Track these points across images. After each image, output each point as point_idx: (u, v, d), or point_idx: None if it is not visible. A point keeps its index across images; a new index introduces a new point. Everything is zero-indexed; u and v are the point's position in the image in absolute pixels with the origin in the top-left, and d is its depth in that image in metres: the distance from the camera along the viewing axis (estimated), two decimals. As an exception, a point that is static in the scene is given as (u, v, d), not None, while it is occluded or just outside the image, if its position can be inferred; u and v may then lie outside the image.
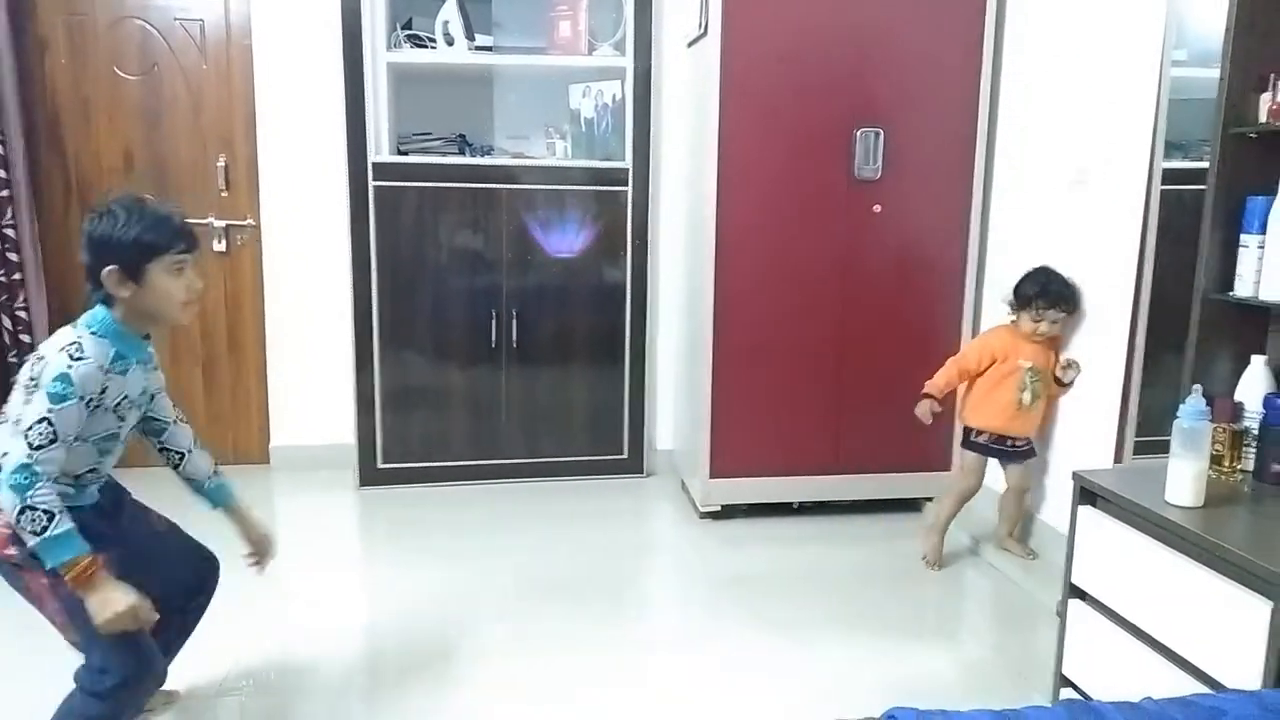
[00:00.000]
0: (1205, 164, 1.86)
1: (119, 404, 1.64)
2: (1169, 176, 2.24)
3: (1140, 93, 2.28)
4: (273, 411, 3.55)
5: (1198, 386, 1.64)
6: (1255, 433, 1.75)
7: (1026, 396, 2.58)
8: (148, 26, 3.31)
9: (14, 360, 3.25)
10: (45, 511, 1.48)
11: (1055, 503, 2.70)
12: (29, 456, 1.48)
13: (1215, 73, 1.81)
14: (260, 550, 1.93)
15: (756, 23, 2.81)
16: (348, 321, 3.25)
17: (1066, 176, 2.62)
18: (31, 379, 1.55)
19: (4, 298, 3.22)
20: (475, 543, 2.92)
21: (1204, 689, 1.45)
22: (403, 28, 3.24)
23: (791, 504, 3.14)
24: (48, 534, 1.48)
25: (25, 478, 1.47)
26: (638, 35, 3.23)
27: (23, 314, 3.24)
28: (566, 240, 3.33)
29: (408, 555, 2.84)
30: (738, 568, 2.78)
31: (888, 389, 3.05)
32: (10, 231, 3.18)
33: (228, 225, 3.43)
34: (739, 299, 2.96)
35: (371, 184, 3.17)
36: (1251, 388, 1.79)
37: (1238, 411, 1.78)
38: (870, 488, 3.12)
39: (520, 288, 3.33)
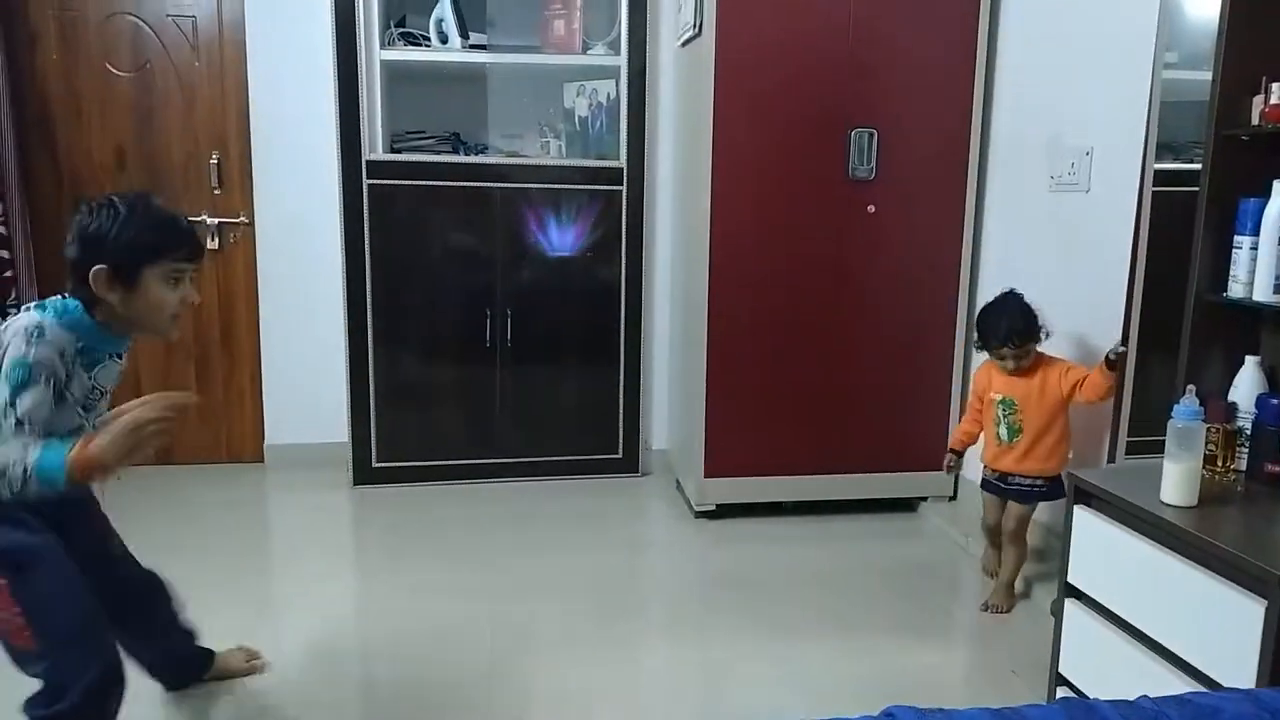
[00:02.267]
0: (1198, 165, 1.87)
1: (87, 397, 1.55)
2: (1162, 178, 2.26)
3: (1133, 94, 2.29)
4: (267, 410, 3.53)
5: (1191, 386, 1.66)
6: (1249, 433, 1.76)
7: (1003, 431, 2.44)
8: (140, 23, 3.29)
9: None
10: (17, 460, 1.37)
11: (1053, 506, 2.71)
12: None
13: (1207, 75, 1.82)
14: None
15: (750, 22, 2.81)
16: (342, 319, 3.24)
17: (1055, 168, 2.63)
18: None
19: (-6, 295, 3.20)
20: (470, 542, 2.91)
21: (1200, 688, 1.46)
22: (396, 25, 3.23)
23: (786, 504, 3.14)
24: (29, 472, 1.37)
25: None
26: (632, 34, 3.23)
27: (14, 311, 3.21)
28: (561, 239, 3.33)
29: (403, 554, 2.83)
30: (732, 567, 2.78)
31: (881, 389, 3.07)
32: (1, 229, 3.16)
33: (220, 223, 3.41)
34: (733, 298, 2.96)
35: (365, 182, 3.16)
36: (1245, 388, 1.80)
37: (1231, 412, 1.79)
38: (864, 488, 3.13)
39: (515, 286, 3.32)
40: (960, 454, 2.64)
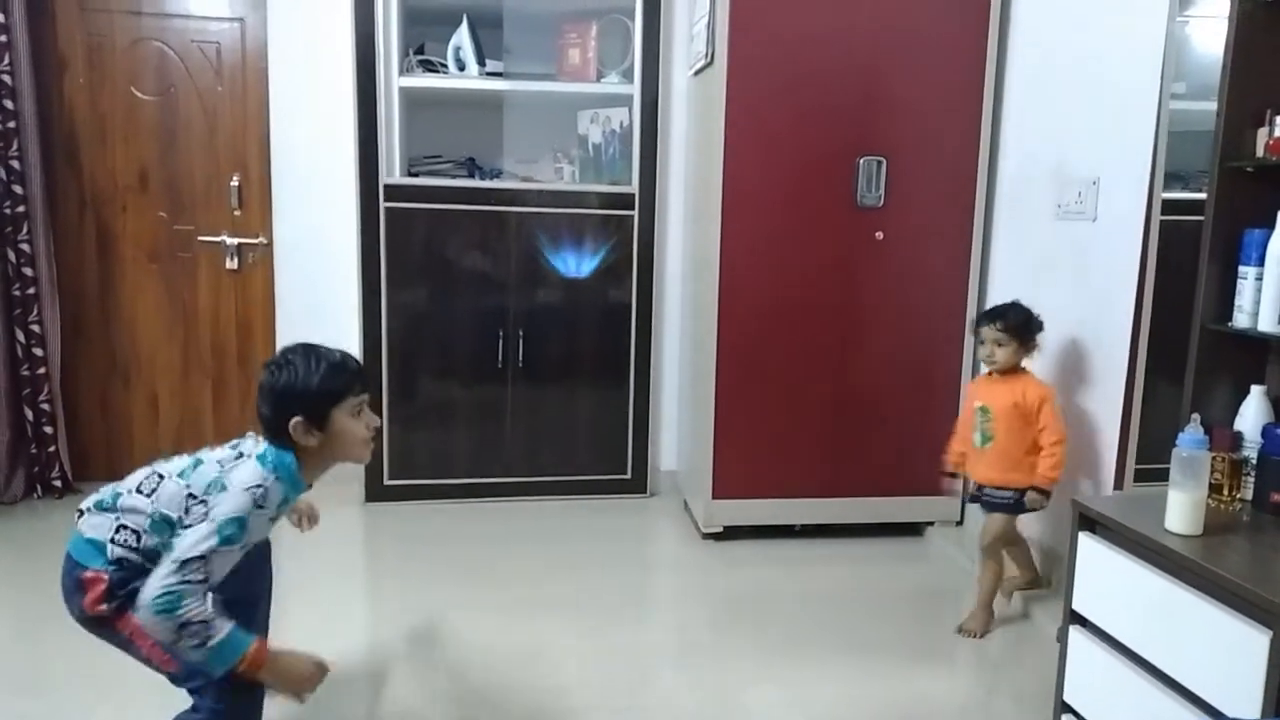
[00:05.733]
0: (1204, 195, 1.89)
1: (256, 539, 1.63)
2: (1169, 207, 2.28)
3: (1140, 124, 2.32)
4: (279, 428, 3.57)
5: (1196, 415, 1.67)
6: (1254, 462, 1.77)
7: (977, 438, 2.46)
8: (165, 48, 3.37)
9: (25, 373, 3.29)
10: (202, 622, 1.44)
11: (1055, 529, 2.71)
12: (179, 585, 1.44)
13: (1214, 106, 1.84)
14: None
15: (762, 52, 2.86)
16: (356, 339, 3.28)
17: (1062, 197, 2.66)
18: (201, 500, 1.53)
19: (18, 311, 3.26)
20: (480, 560, 2.93)
21: (1205, 717, 1.46)
22: (415, 53, 3.30)
23: (793, 526, 3.15)
24: (212, 642, 1.45)
25: (173, 602, 1.43)
26: (645, 63, 3.28)
27: (36, 328, 3.28)
28: (573, 262, 3.37)
29: (414, 571, 2.85)
30: (739, 589, 2.79)
31: (889, 414, 3.08)
32: (25, 246, 3.23)
33: (240, 243, 3.47)
34: (742, 322, 2.99)
35: (382, 205, 3.21)
36: (1250, 417, 1.81)
37: (1237, 441, 1.80)
38: (871, 511, 3.13)
39: (527, 309, 3.36)
40: (955, 475, 2.67)
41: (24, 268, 3.23)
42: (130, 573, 1.53)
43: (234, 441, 1.66)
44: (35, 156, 3.20)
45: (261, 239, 3.49)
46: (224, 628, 1.46)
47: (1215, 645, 1.47)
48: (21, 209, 3.20)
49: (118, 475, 1.66)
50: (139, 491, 1.58)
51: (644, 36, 3.26)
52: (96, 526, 1.58)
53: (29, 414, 3.32)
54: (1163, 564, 1.59)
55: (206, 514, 1.51)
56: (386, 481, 3.37)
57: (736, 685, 2.22)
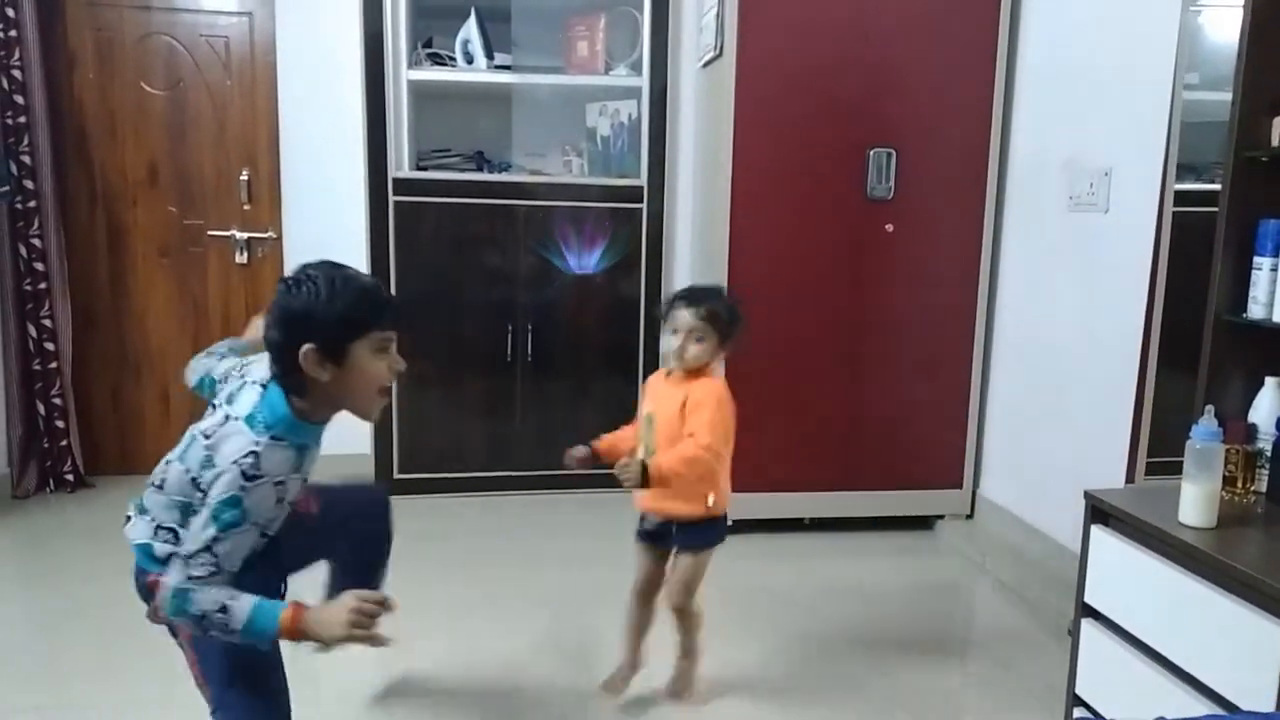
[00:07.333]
0: (1218, 186, 1.88)
1: (291, 494, 1.49)
2: (1183, 198, 2.26)
3: (1153, 115, 2.30)
4: (289, 422, 3.58)
5: (1210, 407, 1.65)
6: (1268, 454, 1.75)
7: (640, 453, 1.89)
8: (174, 43, 3.37)
9: (37, 368, 3.31)
10: (219, 611, 1.35)
11: (1066, 522, 2.70)
12: (184, 583, 1.36)
13: (1228, 96, 1.83)
14: None
15: (770, 44, 2.85)
16: (365, 334, 3.28)
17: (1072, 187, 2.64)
18: (197, 481, 1.41)
19: (30, 306, 3.28)
20: (490, 554, 2.94)
21: (1218, 710, 1.46)
22: (424, 46, 3.30)
23: (802, 520, 3.15)
24: (237, 625, 1.35)
25: (183, 601, 1.35)
26: (654, 56, 3.27)
27: (47, 322, 3.29)
28: (582, 256, 3.36)
29: (424, 566, 2.85)
30: (750, 582, 2.79)
31: (899, 406, 3.07)
32: (37, 241, 3.24)
33: (249, 238, 3.48)
34: (752, 316, 2.94)
35: (391, 198, 3.21)
36: (1265, 409, 1.79)
37: (1251, 433, 1.78)
38: (881, 505, 3.13)
39: (536, 302, 3.36)
40: (594, 456, 2.05)
41: (35, 263, 3.25)
42: None
43: (230, 386, 1.50)
44: (46, 152, 3.22)
45: (271, 233, 3.50)
46: (244, 610, 1.35)
47: (1229, 638, 1.46)
48: (33, 204, 3.22)
49: (130, 470, 1.67)
50: (155, 486, 1.53)
51: (652, 28, 3.25)
52: (140, 531, 1.53)
53: (41, 408, 3.34)
54: (1176, 556, 1.58)
55: (205, 498, 1.39)
56: (397, 475, 3.38)
57: (747, 677, 2.23)
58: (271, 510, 1.46)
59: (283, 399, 1.44)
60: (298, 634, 1.38)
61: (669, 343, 1.93)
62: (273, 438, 1.41)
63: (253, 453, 1.38)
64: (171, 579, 1.37)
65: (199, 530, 1.38)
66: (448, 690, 2.14)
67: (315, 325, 1.39)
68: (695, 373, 1.95)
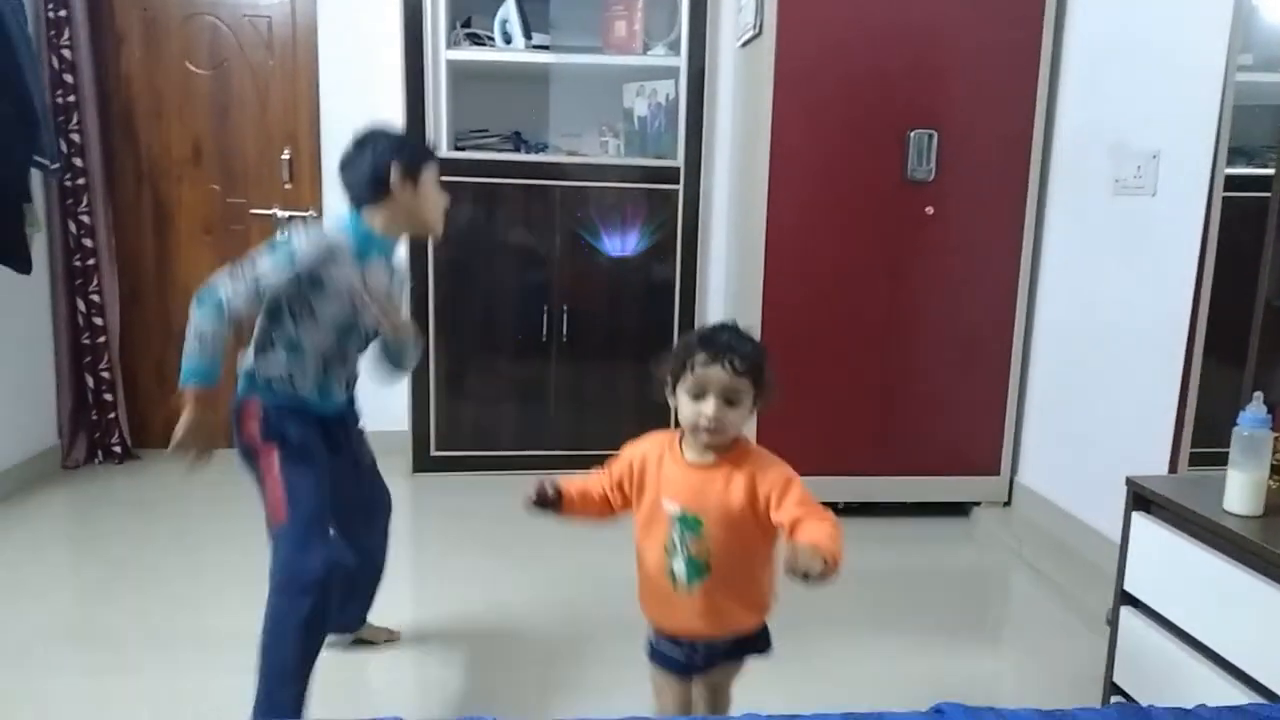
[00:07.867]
0: (1271, 170, 1.83)
1: (354, 291, 1.75)
2: (1233, 183, 2.21)
3: (1204, 96, 2.25)
4: (328, 398, 3.64)
5: (1259, 394, 1.62)
6: (1318, 443, 1.72)
7: (679, 566, 1.45)
8: (218, 23, 3.42)
9: (86, 342, 3.39)
10: (198, 327, 1.62)
11: (1106, 509, 2.67)
12: (214, 280, 1.65)
13: (1284, 78, 1.78)
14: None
15: (811, 23, 2.82)
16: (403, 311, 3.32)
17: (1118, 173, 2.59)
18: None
19: (79, 281, 3.36)
20: (523, 533, 2.94)
21: (1260, 700, 1.44)
22: (462, 26, 3.31)
23: (837, 504, 3.14)
24: (189, 347, 1.63)
25: (203, 292, 1.64)
26: (692, 35, 3.25)
27: (95, 297, 3.37)
28: (618, 237, 3.37)
29: (459, 541, 2.90)
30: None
31: (936, 392, 3.05)
32: (85, 218, 3.32)
33: (291, 216, 3.53)
34: (788, 298, 2.97)
35: (429, 178, 3.23)
36: (1315, 398, 1.76)
37: (1300, 421, 1.75)
38: (917, 490, 3.11)
39: (572, 283, 3.38)
40: (551, 503, 1.63)
41: (84, 239, 3.32)
42: (281, 396, 1.77)
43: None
44: (94, 130, 3.28)
45: (311, 212, 3.54)
46: (204, 346, 1.62)
47: (1272, 627, 1.44)
48: (81, 181, 3.29)
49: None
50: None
51: (691, 7, 3.23)
52: (246, 359, 1.80)
53: (90, 381, 3.43)
54: (1220, 545, 1.56)
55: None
56: (433, 453, 3.42)
57: (780, 658, 2.23)
58: (335, 307, 1.75)
59: (359, 220, 1.80)
60: (184, 398, 1.65)
61: (692, 410, 1.44)
62: (342, 232, 1.77)
63: (324, 235, 1.74)
64: (211, 282, 1.66)
65: (251, 253, 1.69)
66: (477, 663, 2.18)
67: (399, 150, 1.80)
68: (724, 450, 1.47)
